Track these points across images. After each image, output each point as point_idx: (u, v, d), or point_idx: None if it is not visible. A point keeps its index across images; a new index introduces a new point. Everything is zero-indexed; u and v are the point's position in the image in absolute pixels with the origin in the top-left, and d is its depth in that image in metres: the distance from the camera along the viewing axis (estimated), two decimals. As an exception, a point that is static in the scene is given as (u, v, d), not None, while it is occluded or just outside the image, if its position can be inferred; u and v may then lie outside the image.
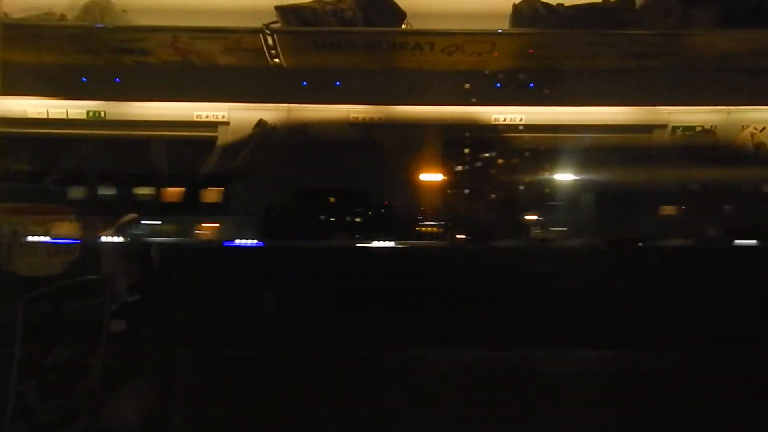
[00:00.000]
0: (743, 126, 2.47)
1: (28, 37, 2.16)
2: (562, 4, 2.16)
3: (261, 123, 2.47)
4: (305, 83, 2.46)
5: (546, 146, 2.47)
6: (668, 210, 2.26)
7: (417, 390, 2.07)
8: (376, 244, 2.11)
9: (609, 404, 2.01)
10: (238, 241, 2.09)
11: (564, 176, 2.37)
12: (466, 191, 2.29)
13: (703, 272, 2.06)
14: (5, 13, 2.17)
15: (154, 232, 2.19)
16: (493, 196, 2.28)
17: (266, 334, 2.01)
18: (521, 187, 2.34)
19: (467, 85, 2.39)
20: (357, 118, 2.52)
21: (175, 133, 2.53)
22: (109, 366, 1.74)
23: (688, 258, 2.14)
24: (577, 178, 2.36)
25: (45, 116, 2.50)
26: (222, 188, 2.31)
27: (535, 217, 2.25)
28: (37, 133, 2.50)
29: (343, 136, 2.52)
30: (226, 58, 2.29)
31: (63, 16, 2.21)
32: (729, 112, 2.50)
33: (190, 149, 2.54)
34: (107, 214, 2.24)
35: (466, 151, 2.32)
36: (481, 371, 2.09)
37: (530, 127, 2.52)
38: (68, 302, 1.61)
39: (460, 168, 2.33)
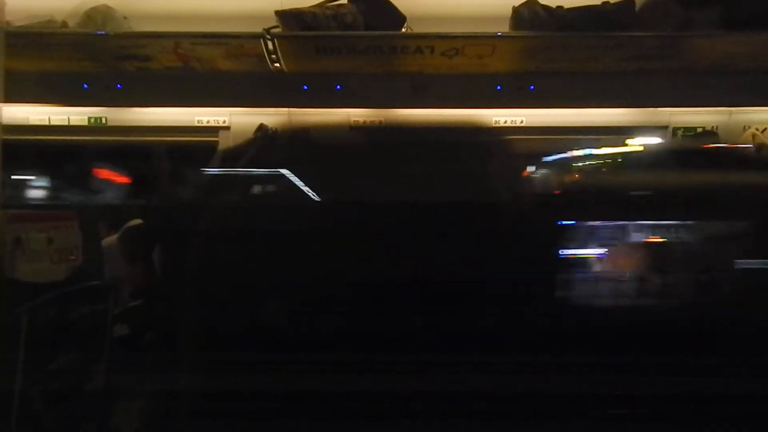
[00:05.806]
0: (745, 127, 2.47)
1: (30, 45, 2.17)
2: (561, 7, 2.16)
3: (262, 127, 2.48)
4: (306, 87, 2.46)
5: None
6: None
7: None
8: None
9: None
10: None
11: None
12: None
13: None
14: (7, 22, 2.18)
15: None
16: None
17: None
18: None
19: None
20: (357, 121, 2.52)
21: (176, 138, 2.54)
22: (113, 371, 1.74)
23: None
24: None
25: (47, 123, 2.51)
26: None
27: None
28: (40, 140, 2.52)
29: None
30: (227, 63, 2.29)
31: (65, 24, 2.22)
32: (731, 113, 2.50)
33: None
34: (111, 219, 2.25)
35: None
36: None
37: (530, 130, 2.53)
38: (72, 308, 1.61)
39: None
